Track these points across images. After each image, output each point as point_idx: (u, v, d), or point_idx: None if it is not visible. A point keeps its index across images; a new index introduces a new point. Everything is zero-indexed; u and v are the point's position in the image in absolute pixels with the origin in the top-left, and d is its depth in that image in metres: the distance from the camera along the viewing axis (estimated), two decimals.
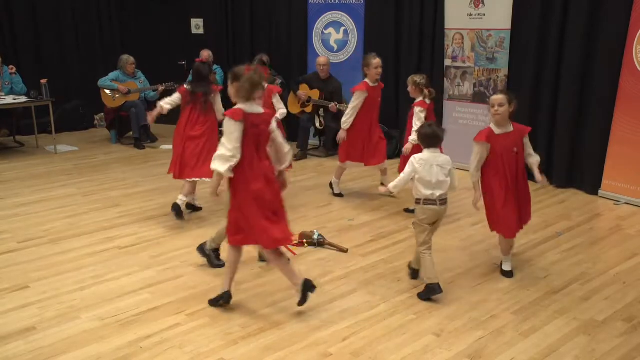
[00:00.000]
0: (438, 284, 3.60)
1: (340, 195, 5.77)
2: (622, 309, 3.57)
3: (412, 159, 3.63)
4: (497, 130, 3.85)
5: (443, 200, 3.61)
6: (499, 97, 3.79)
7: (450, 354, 3.07)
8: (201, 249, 4.11)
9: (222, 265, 4.01)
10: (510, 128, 3.89)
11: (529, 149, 4.02)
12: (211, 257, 4.09)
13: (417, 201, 3.64)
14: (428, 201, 3.59)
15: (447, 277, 3.99)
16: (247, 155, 3.23)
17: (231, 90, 3.31)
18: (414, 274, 3.94)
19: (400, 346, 3.14)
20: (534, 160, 4.05)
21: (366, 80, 5.38)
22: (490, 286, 3.86)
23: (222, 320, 3.40)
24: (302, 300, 3.40)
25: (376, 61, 5.33)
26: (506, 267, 4.05)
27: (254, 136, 3.24)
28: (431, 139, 3.63)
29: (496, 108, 3.78)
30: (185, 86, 5.06)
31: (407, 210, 5.26)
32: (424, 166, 3.58)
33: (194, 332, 3.27)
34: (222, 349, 3.10)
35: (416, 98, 5.10)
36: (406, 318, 3.44)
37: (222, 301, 3.51)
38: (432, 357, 3.05)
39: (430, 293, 3.62)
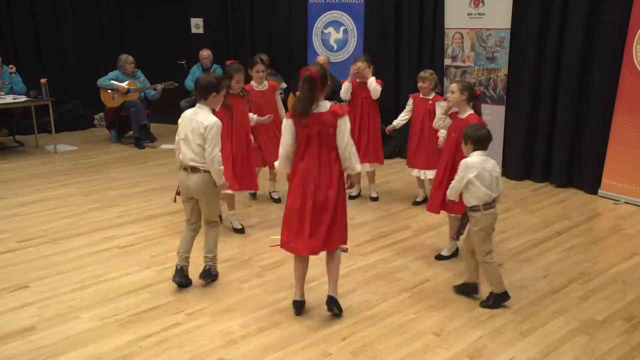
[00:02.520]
0: (506, 292, 3.56)
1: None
2: (622, 308, 3.57)
3: (466, 164, 3.47)
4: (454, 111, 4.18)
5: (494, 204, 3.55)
6: (452, 86, 4.09)
7: (450, 354, 3.07)
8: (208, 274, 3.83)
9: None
10: (464, 115, 4.04)
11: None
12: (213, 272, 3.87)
13: (476, 208, 3.49)
14: (488, 206, 3.49)
15: (446, 277, 3.99)
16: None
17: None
18: (473, 289, 3.69)
19: (400, 345, 3.14)
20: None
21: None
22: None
23: (221, 319, 3.40)
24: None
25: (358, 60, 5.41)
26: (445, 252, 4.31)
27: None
28: (485, 140, 3.51)
29: (448, 94, 4.17)
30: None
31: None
32: (480, 172, 3.44)
33: (193, 331, 3.27)
34: (221, 349, 3.10)
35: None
36: (406, 317, 3.44)
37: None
38: (432, 356, 3.05)
39: (500, 301, 3.55)
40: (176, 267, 3.75)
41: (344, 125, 3.19)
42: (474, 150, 3.49)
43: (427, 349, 3.12)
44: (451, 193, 3.58)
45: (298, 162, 3.27)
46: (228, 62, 4.72)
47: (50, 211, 5.31)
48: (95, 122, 9.30)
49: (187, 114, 3.64)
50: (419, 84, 5.18)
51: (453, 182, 3.56)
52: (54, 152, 7.61)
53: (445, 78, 6.78)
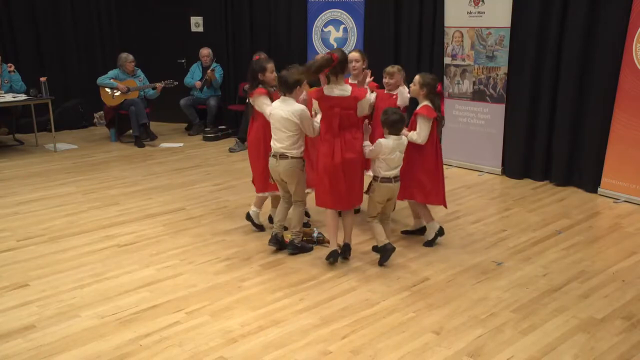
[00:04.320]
0: (390, 244, 4.13)
1: None
2: (621, 307, 3.57)
3: (380, 143, 3.99)
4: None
5: (397, 179, 4.12)
6: (415, 77, 4.37)
7: (450, 352, 3.08)
8: (293, 246, 4.33)
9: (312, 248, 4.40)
10: (418, 107, 4.38)
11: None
12: (304, 246, 4.39)
13: (376, 178, 4.10)
14: (385, 179, 4.06)
15: (446, 275, 4.00)
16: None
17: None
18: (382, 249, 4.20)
19: (400, 344, 3.15)
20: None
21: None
22: (490, 284, 3.86)
23: (221, 318, 3.40)
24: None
25: (350, 55, 4.81)
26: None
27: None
28: (397, 123, 4.03)
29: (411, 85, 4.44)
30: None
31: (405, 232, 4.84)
32: (390, 153, 4.02)
33: (193, 330, 3.27)
34: (221, 347, 3.11)
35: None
36: (406, 316, 3.44)
37: (331, 259, 4.11)
38: (432, 355, 3.05)
39: (385, 252, 4.11)
40: (272, 234, 4.35)
41: (366, 103, 3.99)
42: (389, 134, 4.03)
43: (427, 347, 3.12)
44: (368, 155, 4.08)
45: (324, 133, 4.00)
46: (256, 57, 4.77)
47: (50, 210, 5.31)
48: (95, 120, 9.30)
49: (277, 105, 4.15)
50: (385, 80, 4.69)
51: (368, 149, 4.02)
52: (54, 151, 7.61)
53: (445, 77, 6.78)
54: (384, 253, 4.12)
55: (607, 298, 3.68)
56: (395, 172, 4.08)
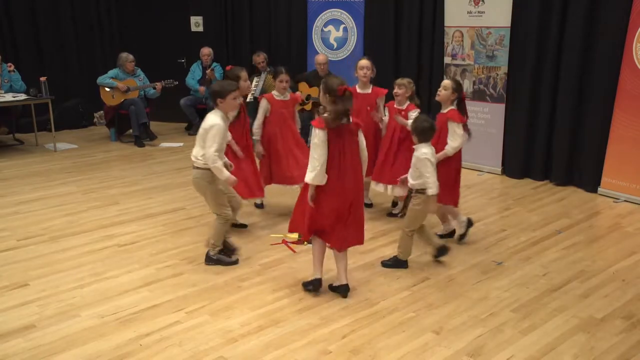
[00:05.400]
0: (407, 262, 4.11)
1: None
2: (621, 306, 3.57)
3: (426, 156, 3.84)
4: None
5: None
6: (446, 82, 4.36)
7: (450, 352, 3.08)
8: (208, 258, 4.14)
9: (235, 262, 4.14)
10: (445, 110, 4.39)
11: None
12: (221, 259, 4.14)
13: (423, 191, 3.88)
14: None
15: (446, 274, 4.00)
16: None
17: (322, 99, 3.48)
18: (441, 252, 4.16)
19: (400, 344, 3.15)
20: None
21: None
22: (490, 284, 3.86)
23: (221, 318, 3.40)
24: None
25: (361, 62, 4.98)
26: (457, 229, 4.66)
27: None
28: (428, 131, 3.91)
29: (440, 90, 4.38)
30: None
31: (390, 215, 5.21)
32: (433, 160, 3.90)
33: (193, 329, 3.27)
34: (221, 347, 3.11)
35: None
36: (406, 316, 3.44)
37: (311, 287, 3.70)
38: (432, 354, 3.05)
39: (399, 265, 4.10)
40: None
41: (362, 136, 3.59)
42: (419, 142, 3.89)
43: (427, 347, 3.12)
44: (434, 187, 3.86)
45: (331, 169, 3.46)
46: (228, 68, 4.76)
47: (50, 209, 5.31)
48: (95, 120, 9.29)
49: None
50: (395, 90, 4.74)
51: (428, 177, 3.82)
52: (54, 151, 7.60)
53: (445, 76, 6.77)
54: (396, 263, 4.12)
55: (607, 298, 3.68)
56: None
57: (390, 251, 4.38)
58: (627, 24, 5.38)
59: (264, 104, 4.90)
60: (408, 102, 4.82)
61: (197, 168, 3.86)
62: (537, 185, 6.12)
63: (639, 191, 5.48)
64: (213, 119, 3.78)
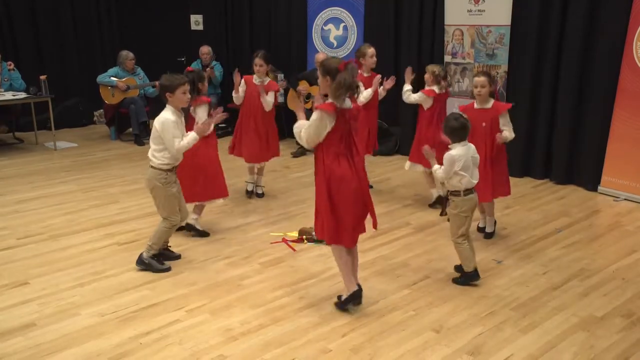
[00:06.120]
0: (476, 270, 3.79)
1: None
2: (621, 305, 3.57)
3: (451, 156, 3.64)
4: (476, 106, 4.36)
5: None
6: (481, 79, 4.23)
7: (450, 350, 3.08)
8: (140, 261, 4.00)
9: (167, 269, 3.98)
10: (489, 104, 4.32)
11: (504, 125, 4.33)
12: (152, 264, 3.99)
13: (456, 193, 3.69)
14: (468, 192, 3.71)
15: (446, 273, 4.00)
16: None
17: (322, 83, 3.24)
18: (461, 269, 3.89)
19: (400, 342, 3.15)
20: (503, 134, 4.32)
21: (360, 71, 5.30)
22: (490, 282, 3.86)
23: (221, 316, 3.40)
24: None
25: (371, 50, 5.39)
26: (487, 228, 4.62)
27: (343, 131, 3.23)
28: (460, 131, 3.66)
29: (479, 89, 4.24)
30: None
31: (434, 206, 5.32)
32: (465, 162, 3.65)
33: (193, 328, 3.28)
34: (222, 345, 3.11)
35: (429, 87, 5.19)
36: (405, 314, 3.45)
37: (353, 301, 3.44)
38: (432, 353, 3.06)
39: (469, 279, 3.80)
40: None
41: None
42: (456, 142, 3.67)
43: (427, 345, 3.12)
44: (437, 181, 3.97)
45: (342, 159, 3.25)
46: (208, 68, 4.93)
47: (50, 208, 5.31)
48: (95, 119, 9.29)
49: None
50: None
51: (440, 173, 3.72)
52: (54, 149, 7.60)
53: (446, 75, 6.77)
54: (466, 277, 3.81)
55: (607, 296, 3.68)
56: (475, 181, 3.73)
57: (389, 251, 4.39)
58: (627, 23, 5.38)
59: (242, 83, 5.32)
60: (431, 88, 5.13)
61: (152, 167, 3.86)
62: (537, 184, 6.12)
63: (639, 190, 5.48)
64: (162, 115, 3.77)
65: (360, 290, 3.43)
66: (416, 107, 5.44)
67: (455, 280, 3.84)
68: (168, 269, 3.99)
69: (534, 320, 3.39)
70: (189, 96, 3.86)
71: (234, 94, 5.37)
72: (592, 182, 5.83)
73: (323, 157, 3.25)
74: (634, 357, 3.03)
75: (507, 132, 4.30)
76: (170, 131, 3.73)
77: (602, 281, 3.89)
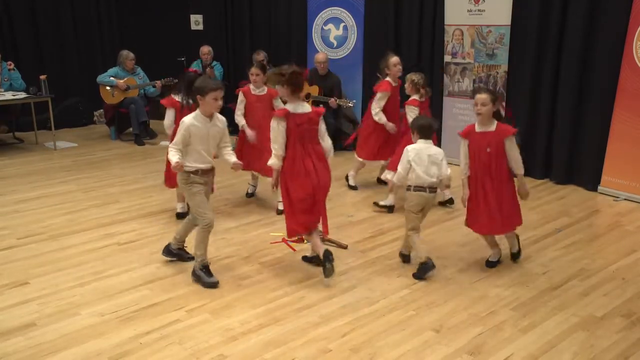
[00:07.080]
0: (430, 261, 3.87)
1: (355, 188, 5.92)
2: (621, 304, 3.57)
3: (406, 149, 3.91)
4: (477, 128, 3.91)
5: (432, 189, 3.91)
6: (482, 97, 3.78)
7: (450, 350, 3.08)
8: (167, 250, 4.13)
9: (215, 284, 3.78)
10: (493, 127, 3.86)
11: (510, 150, 3.91)
12: (181, 254, 4.13)
13: (408, 188, 3.92)
14: (418, 188, 3.88)
15: (446, 273, 4.00)
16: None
17: (281, 91, 3.75)
18: (406, 258, 4.16)
19: (400, 342, 3.15)
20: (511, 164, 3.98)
21: (388, 79, 5.44)
22: (490, 282, 3.87)
23: (221, 316, 3.41)
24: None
25: (394, 59, 5.40)
26: (491, 257, 4.15)
27: (299, 134, 3.70)
28: (426, 129, 3.93)
29: (479, 107, 3.80)
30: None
31: (377, 204, 5.34)
32: (418, 155, 3.86)
33: (193, 328, 3.28)
34: (221, 345, 3.11)
35: (411, 96, 5.22)
36: (406, 314, 3.45)
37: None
38: (432, 353, 3.06)
39: (424, 271, 3.88)
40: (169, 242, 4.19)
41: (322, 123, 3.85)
42: (419, 138, 3.92)
43: (427, 345, 3.12)
44: (398, 178, 3.96)
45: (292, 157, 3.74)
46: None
47: (50, 208, 5.31)
48: (95, 118, 9.29)
49: None
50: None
51: (398, 167, 3.92)
52: (54, 149, 7.60)
53: (445, 75, 6.77)
54: (422, 269, 3.87)
55: (607, 296, 3.68)
56: (431, 180, 3.83)
57: (390, 250, 4.39)
58: (627, 23, 5.38)
59: (240, 97, 5.17)
60: (413, 96, 5.18)
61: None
62: (537, 184, 6.11)
63: (639, 189, 5.48)
64: (187, 116, 3.69)
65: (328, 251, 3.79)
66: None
67: (415, 275, 3.90)
68: (216, 284, 3.75)
69: (534, 320, 3.39)
70: (221, 103, 3.67)
71: (236, 117, 5.16)
72: (592, 182, 5.83)
73: (285, 158, 3.75)
74: (634, 357, 3.03)
75: (515, 166, 3.96)
76: (181, 132, 3.62)
77: (602, 281, 3.89)
